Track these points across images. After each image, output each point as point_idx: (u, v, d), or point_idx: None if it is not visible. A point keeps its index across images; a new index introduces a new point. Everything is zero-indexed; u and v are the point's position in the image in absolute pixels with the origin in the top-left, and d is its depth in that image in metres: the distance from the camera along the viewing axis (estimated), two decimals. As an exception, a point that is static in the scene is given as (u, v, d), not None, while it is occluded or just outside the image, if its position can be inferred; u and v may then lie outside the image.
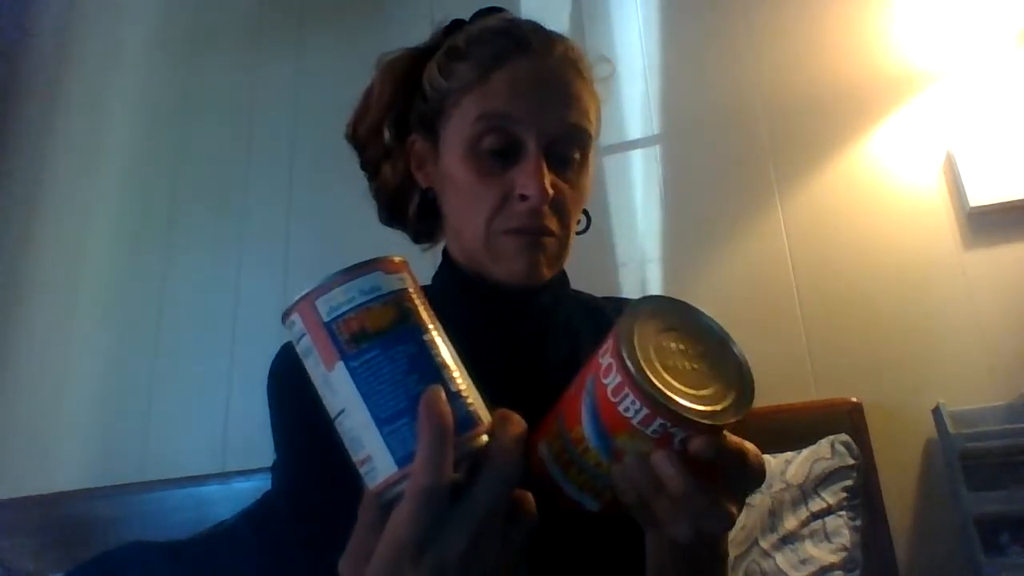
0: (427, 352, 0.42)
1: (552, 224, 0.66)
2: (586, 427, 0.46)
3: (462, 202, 0.68)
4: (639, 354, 0.44)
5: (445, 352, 0.43)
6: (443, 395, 0.40)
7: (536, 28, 0.70)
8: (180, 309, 2.03)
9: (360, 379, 0.41)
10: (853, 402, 1.45)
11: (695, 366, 0.46)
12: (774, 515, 1.30)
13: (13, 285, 2.19)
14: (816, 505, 1.28)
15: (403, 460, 0.40)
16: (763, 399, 1.46)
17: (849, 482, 1.30)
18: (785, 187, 1.68)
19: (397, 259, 0.45)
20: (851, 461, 1.32)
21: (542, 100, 0.66)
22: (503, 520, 0.41)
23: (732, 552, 1.28)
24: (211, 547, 1.40)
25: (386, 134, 0.75)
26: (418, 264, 0.72)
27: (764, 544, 1.28)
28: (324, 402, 0.43)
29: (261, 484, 1.52)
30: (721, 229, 1.70)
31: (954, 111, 1.61)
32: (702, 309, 0.50)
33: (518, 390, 0.50)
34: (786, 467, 1.34)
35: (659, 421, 0.43)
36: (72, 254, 2.19)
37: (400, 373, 0.41)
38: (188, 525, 1.50)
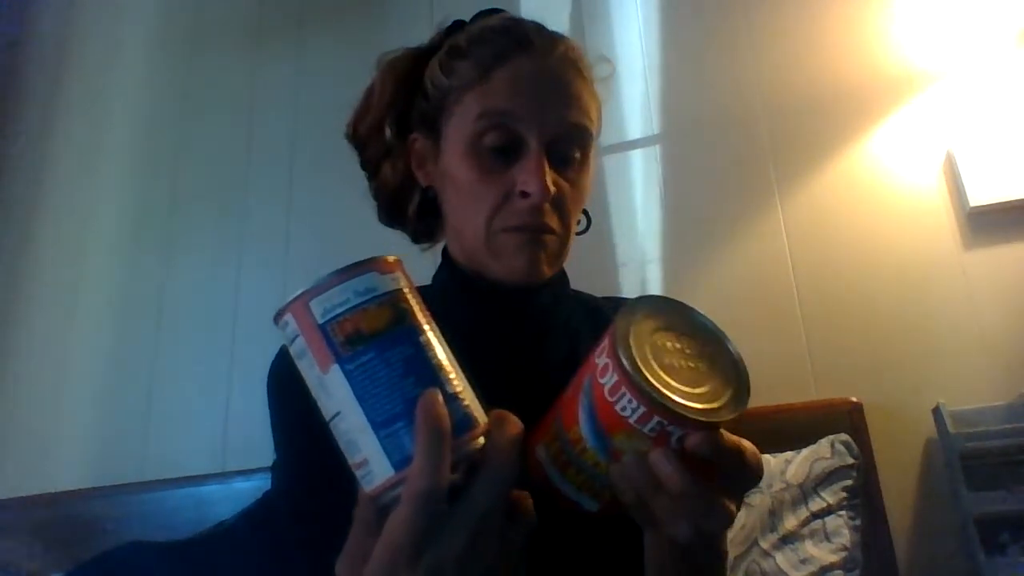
0: (423, 354, 0.42)
1: (553, 222, 0.66)
2: (583, 427, 0.46)
3: (463, 200, 0.68)
4: (635, 353, 0.44)
5: (441, 353, 0.43)
6: (440, 398, 0.40)
7: (538, 27, 0.71)
8: (180, 309, 2.03)
9: (356, 382, 0.40)
10: (853, 402, 1.45)
11: (691, 365, 0.46)
12: (774, 515, 1.30)
13: (13, 285, 2.19)
14: (816, 505, 1.28)
15: (400, 464, 0.40)
16: (763, 399, 1.46)
17: (849, 482, 1.30)
18: (785, 187, 1.68)
19: (391, 259, 0.44)
20: (851, 461, 1.32)
21: (543, 98, 0.66)
22: (501, 521, 0.41)
23: (732, 552, 1.28)
24: (211, 547, 1.40)
25: (387, 133, 0.75)
26: (418, 264, 0.72)
27: (764, 544, 1.28)
28: (319, 404, 0.42)
29: (261, 484, 1.52)
30: (721, 229, 1.70)
31: (954, 111, 1.61)
32: (698, 308, 0.50)
33: (518, 390, 0.50)
34: (786, 467, 1.34)
35: (656, 419, 0.43)
36: (72, 254, 2.19)
37: (396, 376, 0.40)
38: (188, 525, 1.50)
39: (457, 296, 0.71)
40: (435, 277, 0.75)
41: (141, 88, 2.34)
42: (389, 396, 0.40)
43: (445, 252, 0.76)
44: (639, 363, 0.43)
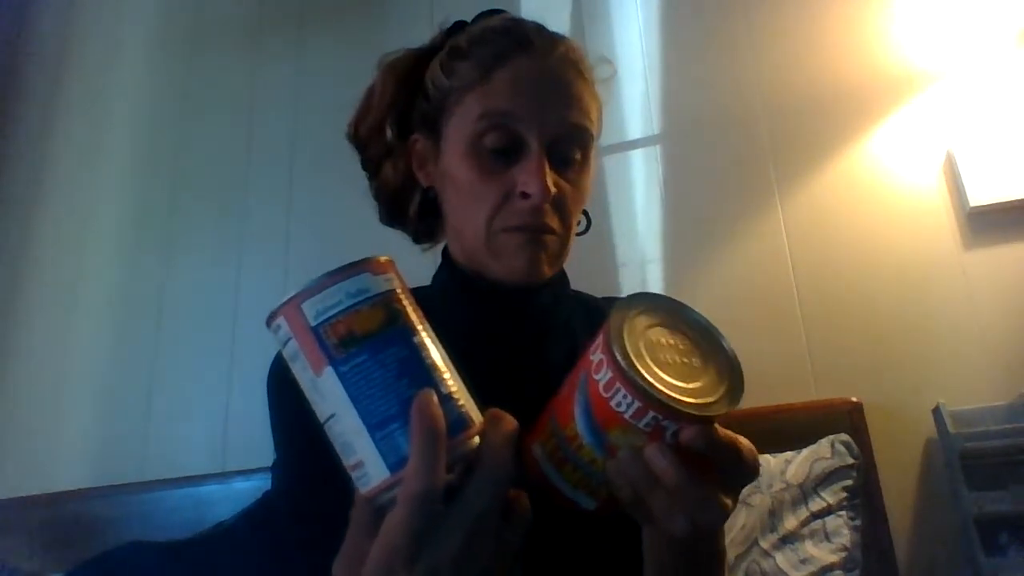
0: (417, 354, 0.41)
1: (553, 222, 0.66)
2: (579, 424, 0.46)
3: (463, 200, 0.68)
4: (629, 349, 0.44)
5: (435, 353, 0.42)
6: (435, 399, 0.40)
7: (538, 28, 0.71)
8: (180, 309, 2.03)
9: (350, 384, 0.40)
10: (853, 402, 1.45)
11: (685, 360, 0.46)
12: (774, 515, 1.30)
13: (13, 285, 2.19)
14: (816, 505, 1.28)
15: (395, 465, 0.40)
16: (763, 399, 1.45)
17: (849, 482, 1.30)
18: (785, 187, 1.68)
19: (384, 259, 0.44)
20: (851, 461, 1.32)
21: (544, 99, 0.66)
22: (497, 521, 0.41)
23: (732, 552, 1.28)
24: (210, 547, 1.40)
25: (388, 133, 0.75)
26: (418, 264, 0.72)
27: (764, 544, 1.28)
28: (313, 407, 0.42)
29: (261, 484, 1.52)
30: (721, 229, 1.70)
31: (954, 111, 1.61)
32: (698, 308, 0.50)
33: (518, 390, 0.50)
34: (786, 467, 1.34)
35: (651, 414, 0.43)
36: (72, 254, 2.19)
37: (391, 377, 0.40)
38: (187, 525, 1.50)
39: (457, 296, 0.71)
40: (435, 277, 0.75)
41: (141, 88, 2.34)
42: (384, 397, 0.40)
43: (445, 252, 0.76)
44: (633, 358, 0.44)
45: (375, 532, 0.40)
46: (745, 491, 1.33)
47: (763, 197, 1.68)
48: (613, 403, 0.44)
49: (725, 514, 0.44)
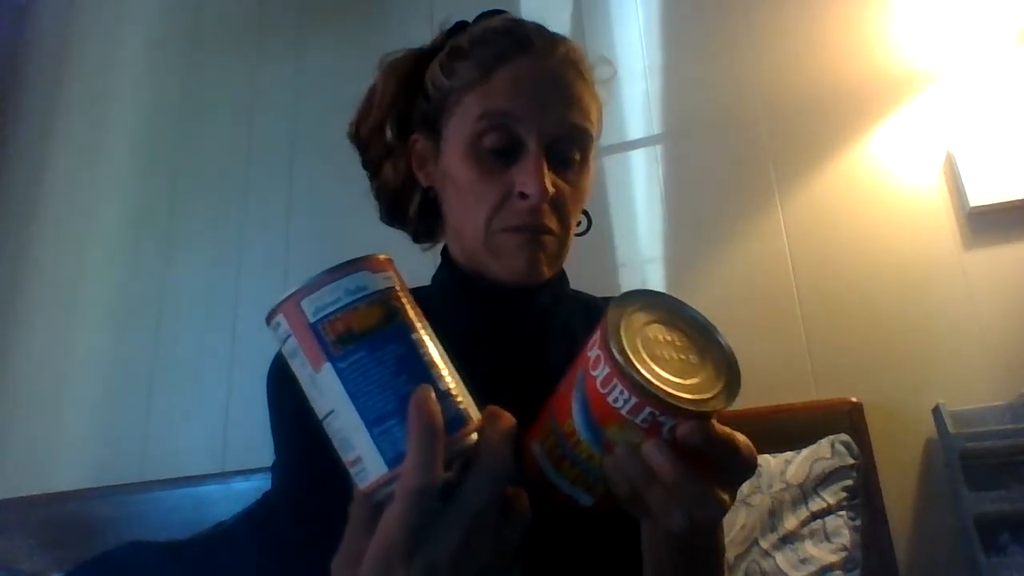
0: (415, 351, 0.42)
1: (551, 223, 0.66)
2: (577, 420, 0.46)
3: (463, 200, 0.68)
4: (626, 345, 0.44)
5: (433, 351, 0.43)
6: (433, 395, 0.40)
7: (539, 29, 0.71)
8: (180, 309, 2.03)
9: (348, 380, 0.40)
10: (853, 402, 1.45)
11: (682, 357, 0.46)
12: (774, 515, 1.30)
13: (13, 285, 2.19)
14: (816, 505, 1.28)
15: (393, 461, 0.40)
16: (763, 399, 1.45)
17: (849, 482, 1.30)
18: (785, 187, 1.68)
19: (382, 257, 0.44)
20: (851, 461, 1.32)
21: (543, 99, 0.66)
22: (496, 519, 0.41)
23: (732, 552, 1.28)
24: (210, 547, 1.40)
25: (388, 133, 0.75)
26: (418, 264, 0.72)
27: (764, 544, 1.28)
28: (312, 404, 0.42)
29: (261, 484, 1.52)
30: (721, 229, 1.70)
31: (954, 111, 1.61)
32: (698, 308, 0.50)
33: (517, 390, 0.50)
34: (786, 467, 1.34)
35: (648, 410, 0.43)
36: (72, 254, 2.19)
37: (388, 374, 0.40)
38: (187, 525, 1.50)
39: (457, 296, 0.71)
40: (435, 277, 0.75)
41: (141, 88, 2.34)
42: (382, 394, 0.40)
43: (445, 252, 0.76)
44: (630, 354, 0.44)
45: (373, 529, 0.40)
46: (745, 491, 1.33)
47: (763, 197, 1.68)
48: (610, 399, 0.44)
49: (723, 510, 0.44)
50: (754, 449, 0.46)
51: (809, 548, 1.25)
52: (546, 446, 0.48)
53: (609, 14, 1.98)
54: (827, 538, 1.26)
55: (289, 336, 0.42)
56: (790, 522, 1.28)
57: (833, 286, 1.59)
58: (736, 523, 1.31)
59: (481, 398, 0.44)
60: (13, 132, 2.36)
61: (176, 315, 2.03)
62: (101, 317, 2.10)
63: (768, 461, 1.36)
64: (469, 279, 0.70)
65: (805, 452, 1.35)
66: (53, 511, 1.78)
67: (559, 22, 1.93)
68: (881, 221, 1.60)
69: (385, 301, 0.42)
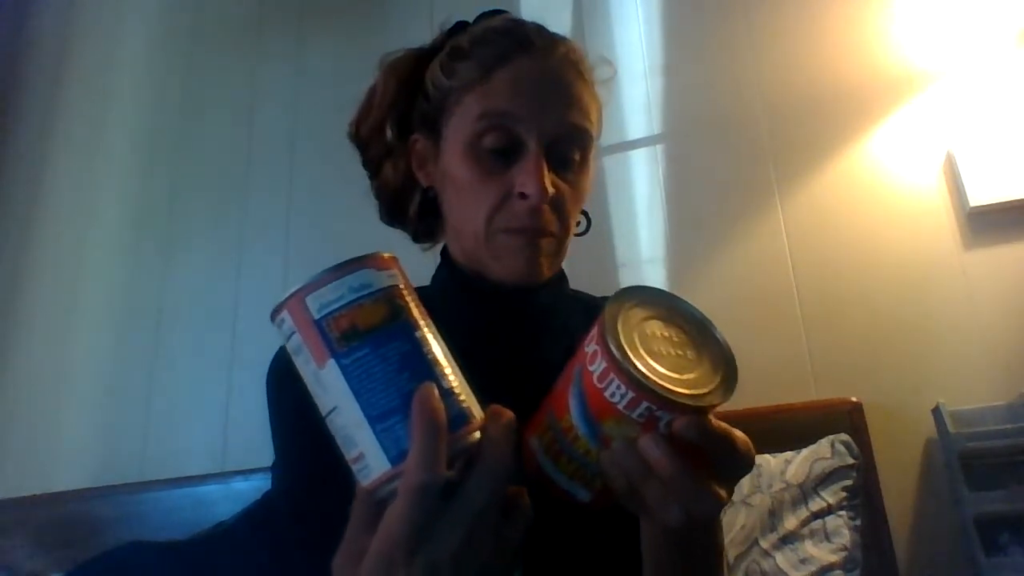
0: (419, 349, 0.42)
1: (551, 224, 0.66)
2: (574, 415, 0.46)
3: (462, 200, 0.68)
4: (623, 339, 0.45)
5: (437, 349, 0.43)
6: (436, 392, 0.40)
7: (539, 29, 0.71)
8: (180, 309, 2.03)
9: (352, 377, 0.40)
10: (853, 402, 1.45)
11: (679, 352, 0.47)
12: (774, 515, 1.30)
13: (13, 285, 2.19)
14: (816, 505, 1.28)
15: (396, 458, 0.40)
16: (763, 399, 1.45)
17: (849, 482, 1.30)
18: (785, 187, 1.68)
19: (387, 255, 0.44)
20: (851, 461, 1.32)
21: (543, 100, 0.66)
22: (497, 517, 0.41)
23: (732, 552, 1.28)
24: (211, 547, 1.40)
25: (388, 133, 0.75)
26: (418, 264, 0.72)
27: (764, 544, 1.28)
28: (315, 400, 0.42)
29: (261, 484, 1.52)
30: (721, 229, 1.70)
31: (954, 111, 1.61)
32: (687, 299, 0.50)
33: (516, 389, 0.50)
34: (786, 467, 1.34)
35: (644, 404, 0.43)
36: (72, 254, 2.19)
37: (392, 371, 0.41)
38: (187, 525, 1.50)
39: (456, 296, 0.71)
40: (435, 277, 0.75)
41: (141, 88, 2.34)
42: (385, 391, 0.40)
43: (444, 252, 0.76)
44: (627, 349, 0.44)
45: (375, 527, 0.40)
46: (745, 491, 1.33)
47: (763, 197, 1.68)
48: (607, 393, 0.44)
49: (719, 505, 0.44)
50: (751, 445, 0.46)
51: (809, 548, 1.25)
52: (544, 441, 0.48)
53: (609, 14, 1.98)
54: (827, 538, 1.26)
55: (293, 333, 0.42)
56: (790, 522, 1.28)
57: (833, 286, 1.59)
58: (736, 523, 1.31)
59: (480, 398, 0.44)
60: (13, 132, 2.36)
61: (176, 315, 2.03)
62: (101, 317, 2.10)
63: (768, 461, 1.36)
64: (469, 279, 0.71)
65: (805, 452, 1.35)
66: (53, 511, 1.78)
67: (559, 22, 1.93)
68: (881, 221, 1.60)
69: (389, 299, 0.42)
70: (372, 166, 0.79)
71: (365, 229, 0.83)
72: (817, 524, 1.27)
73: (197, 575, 1.37)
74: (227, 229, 2.08)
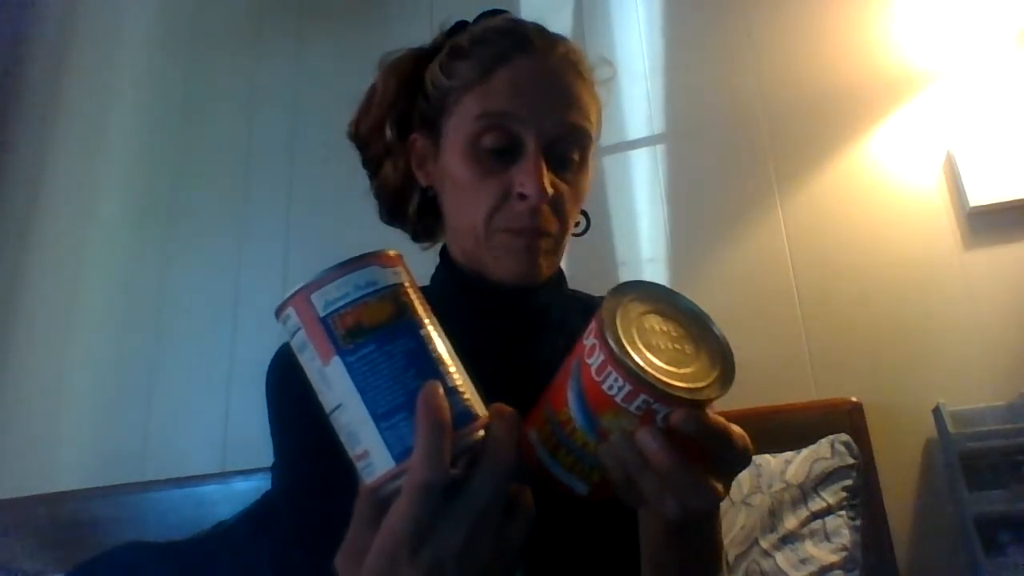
0: (424, 347, 0.42)
1: (551, 225, 0.66)
2: (572, 407, 0.47)
3: (461, 200, 0.68)
4: (621, 333, 0.45)
5: (442, 347, 0.43)
6: (441, 390, 0.40)
7: (539, 29, 0.71)
8: (180, 308, 2.03)
9: (357, 374, 0.41)
10: (853, 402, 1.45)
11: (677, 347, 0.47)
12: (774, 515, 1.30)
13: (13, 285, 2.19)
14: (816, 505, 1.28)
15: (400, 456, 0.40)
16: (763, 399, 1.45)
17: (849, 482, 1.30)
18: (785, 187, 1.68)
19: (393, 253, 0.45)
20: (851, 461, 1.32)
21: (543, 100, 0.66)
22: (500, 515, 0.41)
23: (732, 552, 1.28)
24: (211, 547, 1.40)
25: (388, 133, 0.75)
26: (418, 263, 0.72)
27: (764, 544, 1.28)
28: (320, 397, 0.42)
29: (261, 484, 1.52)
30: (721, 229, 1.70)
31: (954, 111, 1.61)
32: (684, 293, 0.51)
33: (515, 388, 0.50)
34: (786, 467, 1.34)
35: (642, 397, 0.44)
36: (72, 254, 2.19)
37: (397, 368, 0.41)
38: (187, 525, 1.50)
39: (456, 295, 0.71)
40: (434, 276, 0.75)
41: (141, 88, 2.34)
42: (390, 388, 0.40)
43: (444, 251, 0.76)
44: (625, 343, 0.44)
45: (378, 525, 0.40)
46: (745, 491, 1.33)
47: (763, 197, 1.68)
48: (605, 386, 0.44)
49: (716, 499, 0.45)
50: (748, 440, 0.47)
51: (809, 548, 1.25)
52: (542, 434, 0.49)
53: (609, 15, 1.98)
54: (827, 538, 1.26)
55: (299, 329, 0.42)
56: (790, 522, 1.28)
57: (833, 286, 1.59)
58: (736, 523, 1.31)
59: (480, 397, 0.44)
60: (13, 132, 2.36)
61: (176, 315, 2.03)
62: (101, 317, 2.10)
63: (768, 461, 1.36)
64: (468, 278, 0.71)
65: (805, 452, 1.35)
66: (53, 511, 1.78)
67: (559, 22, 1.93)
68: (881, 221, 1.60)
69: (395, 296, 0.42)
70: (372, 165, 0.79)
71: (365, 229, 0.83)
72: (817, 524, 1.27)
73: (197, 575, 1.37)
74: (227, 229, 2.08)
